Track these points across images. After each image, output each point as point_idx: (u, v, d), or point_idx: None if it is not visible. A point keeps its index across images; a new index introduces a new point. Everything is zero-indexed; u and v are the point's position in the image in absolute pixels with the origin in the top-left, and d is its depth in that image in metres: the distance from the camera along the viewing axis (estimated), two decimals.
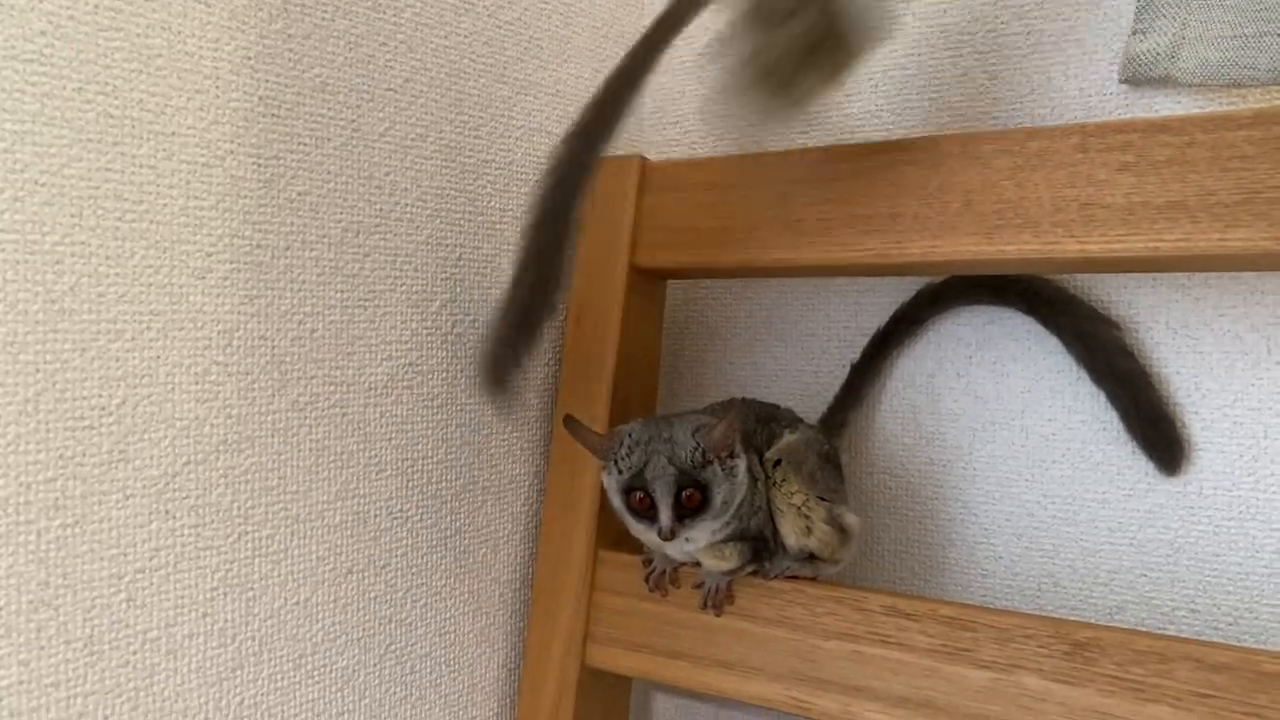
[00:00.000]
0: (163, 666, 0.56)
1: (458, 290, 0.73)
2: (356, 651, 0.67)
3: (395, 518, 0.70)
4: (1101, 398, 0.71)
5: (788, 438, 0.68)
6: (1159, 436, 0.69)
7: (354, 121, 0.66)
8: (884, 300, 0.79)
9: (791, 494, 0.66)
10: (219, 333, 0.59)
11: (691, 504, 0.62)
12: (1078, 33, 0.73)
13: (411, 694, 0.71)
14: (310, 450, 0.64)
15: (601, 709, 0.77)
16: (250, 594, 0.61)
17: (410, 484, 0.71)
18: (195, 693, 0.58)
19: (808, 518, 0.66)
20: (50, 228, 0.51)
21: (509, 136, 0.77)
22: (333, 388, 0.65)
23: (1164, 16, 0.66)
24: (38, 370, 0.51)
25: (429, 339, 0.72)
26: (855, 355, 0.79)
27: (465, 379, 0.74)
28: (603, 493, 0.68)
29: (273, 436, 0.62)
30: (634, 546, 0.72)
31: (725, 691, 0.69)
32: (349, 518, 0.66)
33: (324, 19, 0.63)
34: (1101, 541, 0.72)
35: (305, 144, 0.63)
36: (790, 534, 0.66)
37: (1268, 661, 0.53)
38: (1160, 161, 0.57)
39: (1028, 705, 0.59)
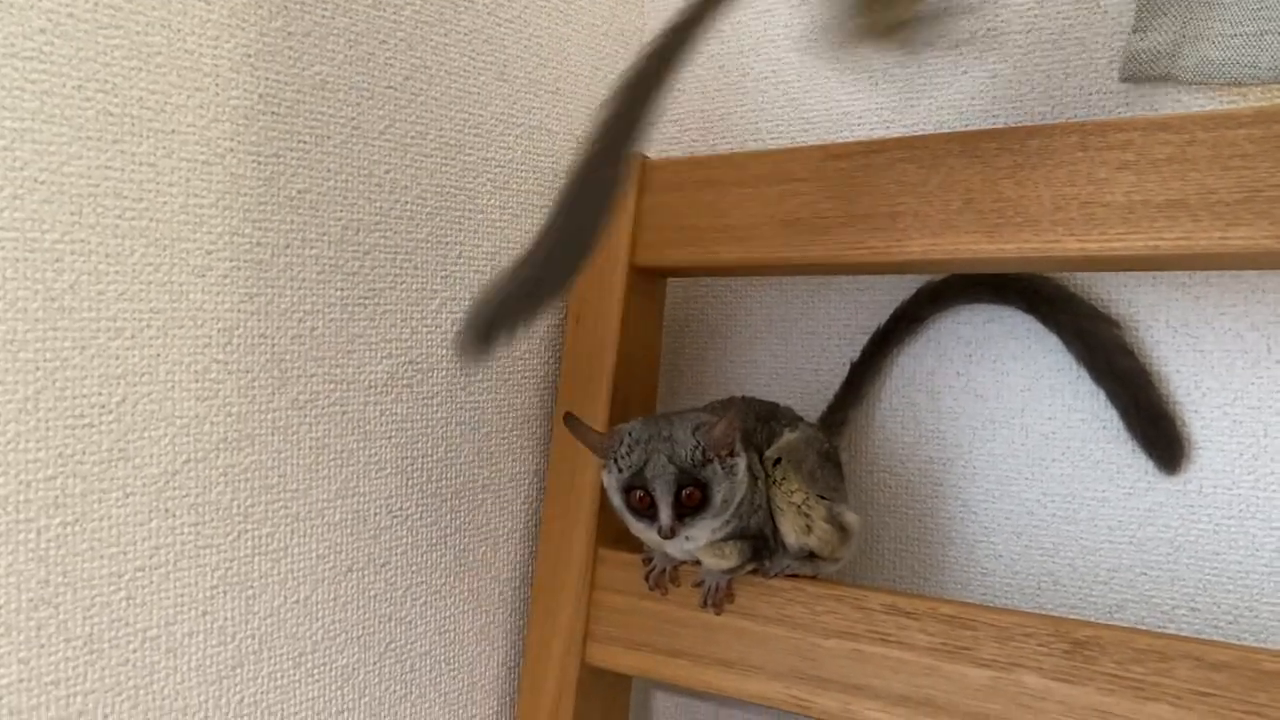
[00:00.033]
0: (162, 665, 0.56)
1: (457, 288, 0.73)
2: (356, 650, 0.67)
3: (395, 516, 0.70)
4: (1101, 396, 0.71)
5: (788, 436, 0.68)
6: (1159, 435, 0.69)
7: (354, 119, 0.66)
8: (884, 298, 0.79)
9: (791, 492, 0.66)
10: (219, 331, 0.59)
11: (691, 502, 0.62)
12: (1078, 31, 0.73)
13: (411, 692, 0.71)
14: (310, 448, 0.64)
15: (601, 707, 0.77)
16: (250, 592, 0.61)
17: (410, 482, 0.71)
18: (195, 691, 0.58)
19: (808, 516, 0.66)
20: (50, 225, 0.51)
21: (509, 134, 0.77)
22: (332, 386, 0.65)
23: (1165, 15, 0.66)
24: (37, 368, 0.51)
25: (429, 337, 0.72)
26: (855, 353, 0.79)
27: (465, 375, 0.74)
28: (603, 491, 0.68)
29: (272, 434, 0.62)
30: (634, 545, 0.72)
31: (725, 690, 0.69)
32: (349, 516, 0.66)
33: (324, 17, 0.63)
34: (1101, 540, 0.72)
35: (305, 142, 0.63)
36: (790, 532, 0.66)
37: (1268, 660, 0.53)
38: (1161, 160, 0.57)
39: (1027, 704, 0.59)
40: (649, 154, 0.78)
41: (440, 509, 0.73)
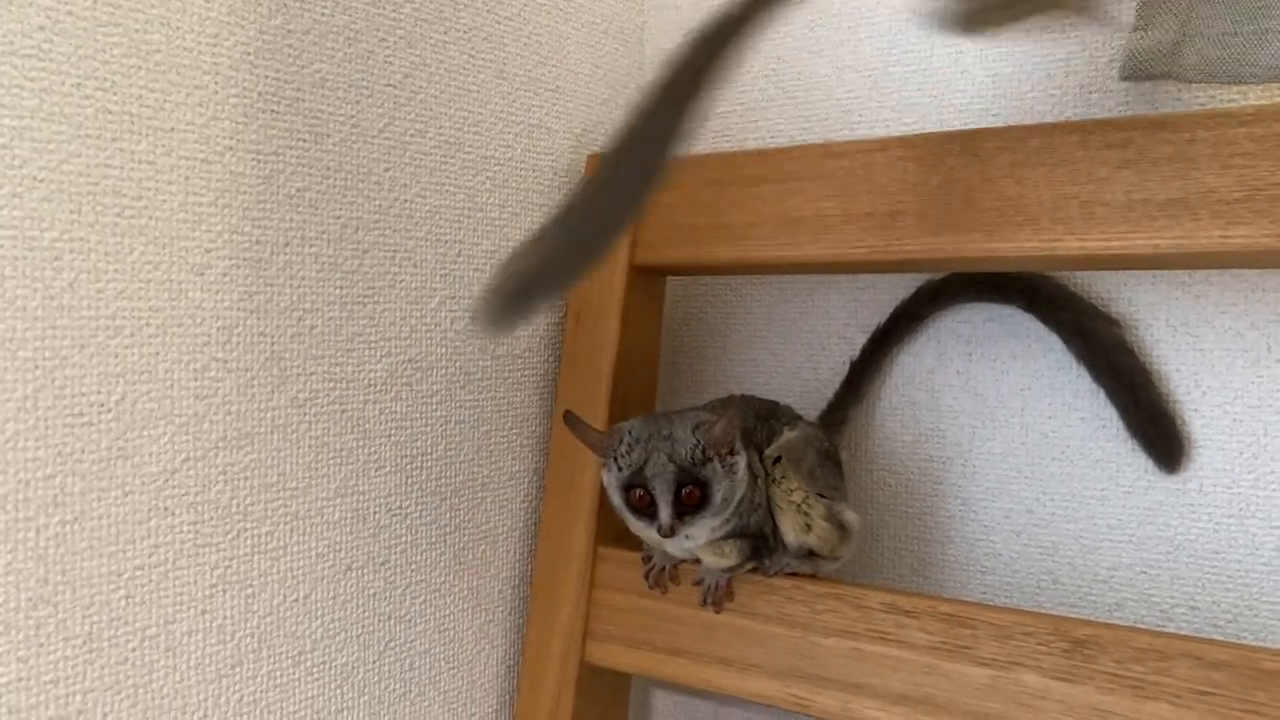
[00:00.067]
0: (162, 663, 0.56)
1: (456, 286, 0.73)
2: (355, 648, 0.67)
3: (394, 514, 0.70)
4: (1101, 395, 0.71)
5: (787, 435, 0.68)
6: (1159, 434, 0.69)
7: (353, 117, 0.65)
8: (884, 297, 0.79)
9: (791, 491, 0.66)
10: (218, 329, 0.59)
11: (691, 501, 0.62)
12: (1078, 29, 0.72)
13: (410, 691, 0.71)
14: (309, 447, 0.64)
15: (601, 706, 0.77)
16: (249, 591, 0.61)
17: (409, 480, 0.71)
18: (194, 690, 0.58)
19: (807, 515, 0.66)
20: (49, 224, 0.51)
21: (508, 132, 0.77)
22: (332, 384, 0.65)
23: (1165, 13, 0.66)
24: (36, 367, 0.51)
25: (428, 335, 0.71)
26: (855, 352, 0.79)
27: (465, 374, 0.74)
28: (602, 489, 0.67)
29: (272, 433, 0.62)
30: (634, 543, 0.72)
31: (725, 688, 0.69)
32: (348, 514, 0.66)
33: (323, 15, 0.63)
34: (1101, 539, 0.72)
35: (304, 140, 0.63)
36: (790, 531, 0.66)
37: (1267, 659, 0.53)
38: (1161, 158, 0.57)
39: (1027, 703, 0.59)
40: None
41: (440, 507, 0.73)
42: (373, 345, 0.68)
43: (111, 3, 0.53)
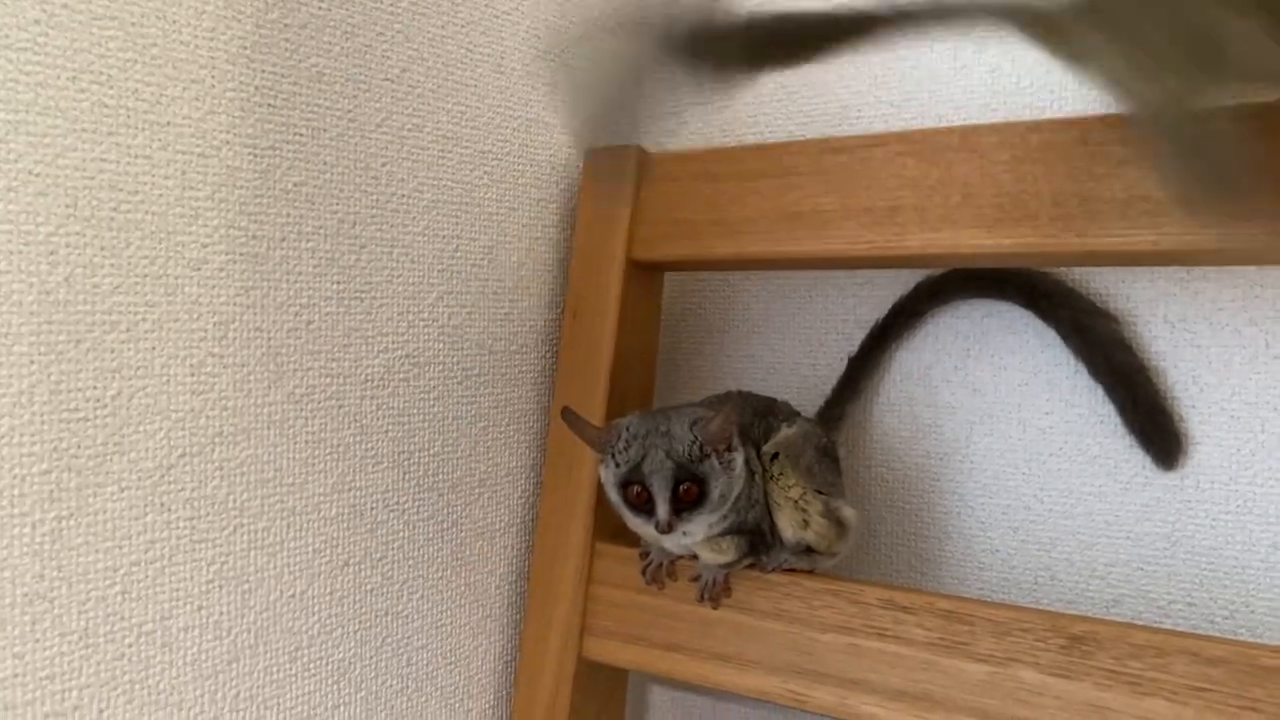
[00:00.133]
0: (158, 659, 0.56)
1: (454, 282, 0.73)
2: (353, 644, 0.67)
3: (392, 510, 0.69)
4: (1099, 391, 0.71)
5: (785, 431, 0.68)
6: (1156, 430, 0.69)
7: (350, 112, 0.65)
8: (882, 293, 0.79)
9: (789, 487, 0.66)
10: (215, 324, 0.58)
11: (689, 498, 0.61)
12: None
13: (408, 686, 0.71)
14: (306, 443, 0.64)
15: (598, 701, 0.77)
16: (246, 587, 0.60)
17: (407, 476, 0.70)
18: (191, 685, 0.58)
19: (805, 511, 0.66)
20: (44, 218, 0.51)
21: (506, 127, 0.77)
22: (329, 380, 0.65)
23: None
24: (32, 362, 0.50)
25: (426, 331, 0.71)
26: (853, 348, 0.79)
27: (462, 370, 0.74)
28: (599, 485, 0.67)
29: (269, 429, 0.61)
30: (631, 539, 0.72)
31: (722, 684, 0.69)
32: (345, 510, 0.66)
33: (320, 8, 0.63)
34: (1098, 535, 0.72)
35: (301, 134, 0.62)
36: (787, 527, 0.66)
37: (1264, 655, 0.53)
38: None
39: (1024, 699, 0.59)
40: (647, 146, 0.78)
41: (437, 503, 0.73)
42: (370, 340, 0.67)
43: None
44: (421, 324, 0.71)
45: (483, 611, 0.77)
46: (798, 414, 0.72)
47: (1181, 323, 0.69)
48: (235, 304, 0.59)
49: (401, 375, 0.70)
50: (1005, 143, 0.62)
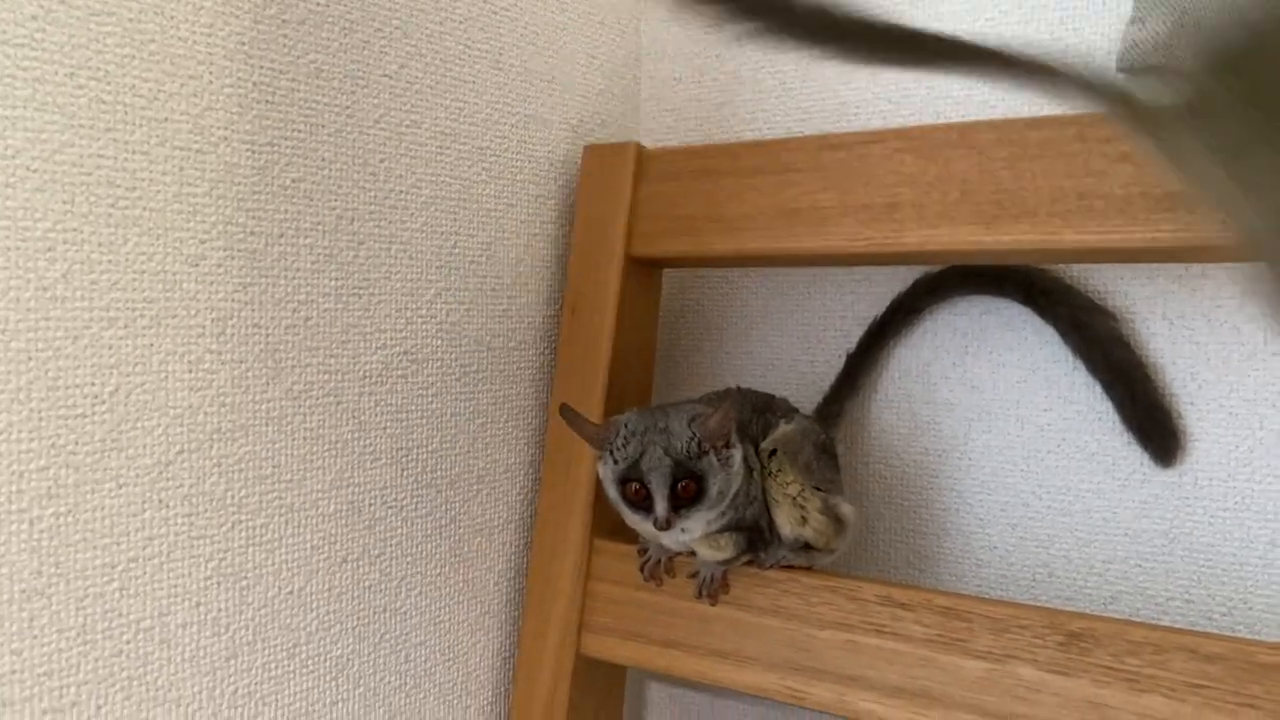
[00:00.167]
0: (156, 656, 0.56)
1: (453, 278, 0.73)
2: (351, 640, 0.67)
3: (390, 507, 0.69)
4: (1097, 388, 0.71)
5: (783, 428, 0.68)
6: (1155, 427, 0.69)
7: (348, 108, 0.65)
8: (881, 290, 0.79)
9: (787, 484, 0.66)
10: (212, 320, 0.58)
11: (687, 494, 0.61)
12: (1075, 21, 0.72)
13: (406, 683, 0.71)
14: (304, 439, 0.64)
15: (596, 698, 0.77)
16: (244, 583, 0.60)
17: (405, 473, 0.70)
18: (188, 682, 0.58)
19: (803, 508, 0.66)
20: (42, 214, 0.51)
21: (504, 123, 0.77)
22: (327, 376, 0.65)
23: (1161, 3, 0.66)
24: (30, 358, 0.50)
25: (423, 327, 0.71)
26: (851, 345, 0.79)
27: (461, 366, 0.74)
28: (598, 482, 0.67)
29: (266, 425, 0.61)
30: (629, 536, 0.72)
31: (720, 680, 0.69)
32: (343, 506, 0.66)
33: (318, 5, 0.63)
34: (1096, 532, 0.72)
35: (299, 130, 0.62)
36: (785, 524, 0.66)
37: (1261, 652, 0.53)
38: None
39: (1022, 695, 0.59)
40: (645, 143, 0.78)
41: (435, 500, 0.73)
42: (368, 337, 0.67)
43: None
44: (420, 320, 0.71)
45: (481, 608, 0.77)
46: (796, 411, 0.72)
47: (1180, 320, 0.69)
48: (233, 300, 0.59)
49: (400, 371, 0.70)
50: (1003, 139, 0.62)
